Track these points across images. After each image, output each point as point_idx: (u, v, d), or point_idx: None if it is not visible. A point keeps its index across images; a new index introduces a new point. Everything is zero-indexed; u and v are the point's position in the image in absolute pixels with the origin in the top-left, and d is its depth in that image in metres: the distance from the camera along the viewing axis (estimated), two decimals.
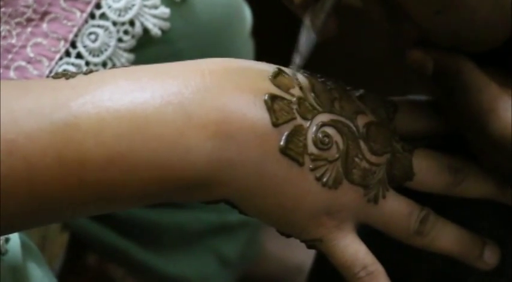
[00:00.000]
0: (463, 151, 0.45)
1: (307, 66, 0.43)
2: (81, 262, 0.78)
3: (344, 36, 0.45)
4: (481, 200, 0.46)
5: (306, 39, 0.42)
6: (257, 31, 0.67)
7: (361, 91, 0.45)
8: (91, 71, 0.41)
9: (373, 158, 0.43)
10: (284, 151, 0.40)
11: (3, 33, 0.53)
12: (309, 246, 0.44)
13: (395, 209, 0.44)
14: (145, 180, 0.39)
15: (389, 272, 0.43)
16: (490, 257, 0.45)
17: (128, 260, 0.71)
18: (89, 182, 0.39)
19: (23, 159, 0.38)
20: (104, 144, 0.39)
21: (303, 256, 0.83)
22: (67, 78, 0.40)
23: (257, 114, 0.40)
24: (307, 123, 0.41)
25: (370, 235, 0.45)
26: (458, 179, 0.44)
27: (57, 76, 0.41)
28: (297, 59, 0.42)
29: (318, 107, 0.42)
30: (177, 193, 0.40)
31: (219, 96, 0.40)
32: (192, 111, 0.39)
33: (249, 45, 0.67)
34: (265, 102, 0.41)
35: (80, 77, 0.40)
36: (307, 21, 0.42)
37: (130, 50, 0.55)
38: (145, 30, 0.55)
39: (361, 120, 0.43)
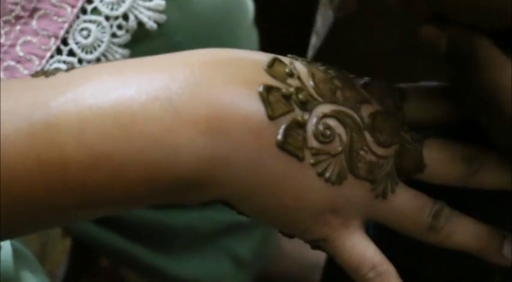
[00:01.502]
0: (478, 139, 0.42)
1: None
2: (94, 263, 0.76)
3: (356, 30, 0.42)
4: (501, 192, 0.43)
5: (323, 17, 0.39)
6: (262, 20, 0.64)
7: (366, 79, 0.42)
8: (73, 68, 0.39)
9: (380, 150, 0.40)
10: (282, 146, 0.38)
11: None
12: (313, 247, 0.41)
13: (406, 203, 0.41)
14: (133, 182, 0.37)
15: (403, 272, 0.41)
16: (509, 252, 0.42)
17: (137, 263, 0.69)
18: (74, 185, 0.37)
19: (3, 163, 0.36)
20: (86, 145, 0.36)
21: (321, 253, 0.81)
22: (47, 76, 0.38)
23: (251, 107, 0.38)
24: (306, 115, 0.39)
25: (380, 232, 0.42)
26: (473, 168, 0.42)
27: (36, 75, 0.39)
28: (315, 40, 0.39)
29: (318, 97, 0.39)
30: (169, 194, 0.38)
31: (209, 89, 0.38)
32: (180, 107, 0.37)
33: (252, 35, 0.64)
34: (260, 94, 0.38)
35: (61, 74, 0.38)
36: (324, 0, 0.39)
37: (125, 45, 0.53)
38: (140, 24, 0.53)
39: (365, 110, 0.40)
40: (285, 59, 0.40)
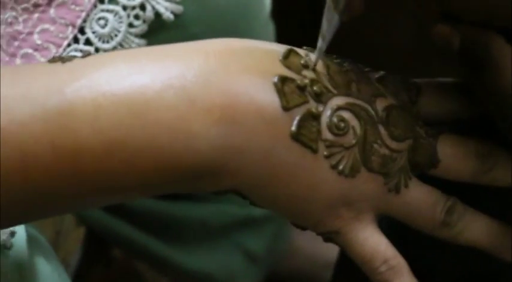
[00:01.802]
0: (492, 136, 0.42)
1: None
2: (108, 253, 0.77)
3: (370, 27, 0.42)
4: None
5: (328, 21, 0.39)
6: (278, 14, 0.64)
7: (381, 73, 0.42)
8: (89, 54, 0.39)
9: (393, 144, 0.40)
10: (296, 137, 0.38)
11: (9, 20, 0.51)
12: (326, 240, 0.41)
13: (418, 198, 0.41)
14: (146, 169, 0.37)
15: (414, 268, 0.41)
16: None
17: (149, 254, 0.70)
18: (87, 171, 0.37)
19: (17, 148, 0.36)
20: (100, 132, 0.37)
21: (333, 251, 0.81)
22: (63, 62, 0.38)
23: (266, 97, 0.38)
24: (321, 107, 0.39)
25: (392, 228, 0.42)
26: (487, 165, 0.41)
27: (53, 60, 0.39)
28: (321, 43, 0.39)
29: (332, 89, 0.39)
30: (182, 182, 0.38)
31: (224, 78, 0.38)
32: (195, 95, 0.37)
33: (269, 28, 0.64)
34: (275, 84, 0.38)
35: (77, 60, 0.38)
36: (329, 1, 0.39)
37: (142, 36, 0.53)
38: (157, 15, 0.53)
39: (380, 104, 0.40)
40: (301, 51, 0.40)
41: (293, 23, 0.43)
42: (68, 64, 0.38)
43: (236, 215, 0.71)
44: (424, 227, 0.41)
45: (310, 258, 0.83)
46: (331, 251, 0.82)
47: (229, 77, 0.38)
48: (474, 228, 0.42)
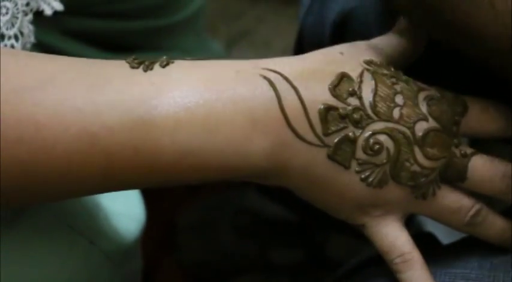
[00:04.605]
0: None
1: None
2: None
3: None
4: None
5: None
6: None
7: (433, 91, 0.46)
8: (168, 63, 0.44)
9: (426, 163, 0.45)
10: (332, 157, 0.44)
11: None
12: (357, 230, 0.47)
13: (445, 204, 0.46)
14: (209, 173, 0.43)
15: None
16: None
17: None
18: (160, 170, 0.43)
19: (103, 150, 0.42)
20: (177, 142, 0.42)
21: None
22: (145, 71, 0.43)
23: (310, 124, 0.43)
24: (358, 131, 0.44)
25: None
26: (510, 187, 0.46)
27: (133, 65, 0.43)
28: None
29: (373, 116, 0.44)
30: (233, 179, 0.45)
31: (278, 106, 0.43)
32: (257, 118, 0.43)
33: None
34: (319, 112, 0.43)
35: (158, 70, 0.43)
36: None
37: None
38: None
39: (420, 127, 0.45)
40: (355, 73, 0.44)
41: None
42: (150, 74, 0.43)
43: None
44: (450, 225, 0.47)
45: None
46: None
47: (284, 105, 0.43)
48: (491, 228, 0.47)
